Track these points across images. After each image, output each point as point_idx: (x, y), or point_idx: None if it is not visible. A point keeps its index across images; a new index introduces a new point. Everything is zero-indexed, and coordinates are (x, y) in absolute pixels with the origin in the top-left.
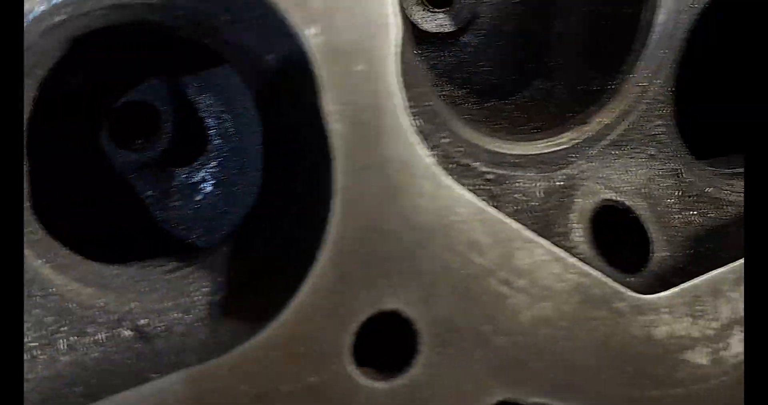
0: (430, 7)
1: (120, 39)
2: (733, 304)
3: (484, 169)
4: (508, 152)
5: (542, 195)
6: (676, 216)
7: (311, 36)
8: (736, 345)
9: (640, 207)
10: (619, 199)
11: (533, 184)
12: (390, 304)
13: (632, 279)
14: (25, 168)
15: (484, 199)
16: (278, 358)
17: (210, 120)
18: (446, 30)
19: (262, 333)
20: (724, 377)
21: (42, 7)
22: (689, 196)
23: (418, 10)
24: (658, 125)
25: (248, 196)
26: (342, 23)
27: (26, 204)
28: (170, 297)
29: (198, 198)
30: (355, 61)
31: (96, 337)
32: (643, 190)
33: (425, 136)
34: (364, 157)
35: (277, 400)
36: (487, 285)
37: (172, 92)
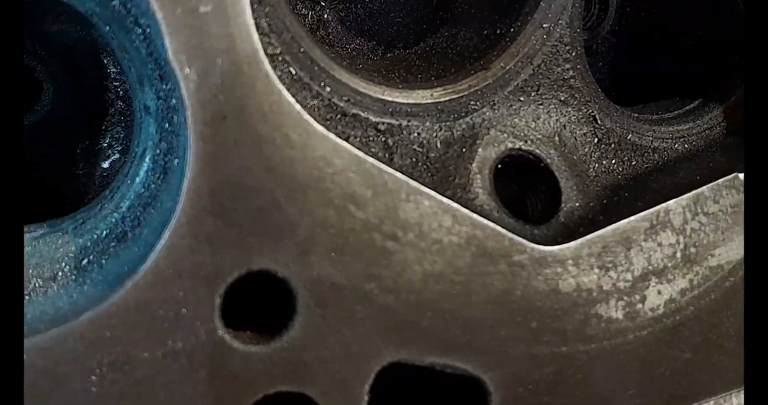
0: None
1: None
2: (648, 254)
3: (375, 119)
4: (402, 101)
5: (441, 145)
6: (593, 165)
7: None
8: (654, 297)
9: (550, 156)
10: (527, 147)
11: (431, 135)
12: (260, 264)
13: (537, 231)
14: None
15: (376, 151)
16: (136, 323)
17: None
18: None
19: (114, 297)
20: (641, 331)
21: None
22: (607, 144)
23: None
24: (567, 69)
25: None
26: None
27: None
28: (33, 264)
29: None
30: (200, 0)
31: None
32: (555, 138)
33: (302, 84)
34: (222, 105)
35: (137, 367)
36: (370, 240)
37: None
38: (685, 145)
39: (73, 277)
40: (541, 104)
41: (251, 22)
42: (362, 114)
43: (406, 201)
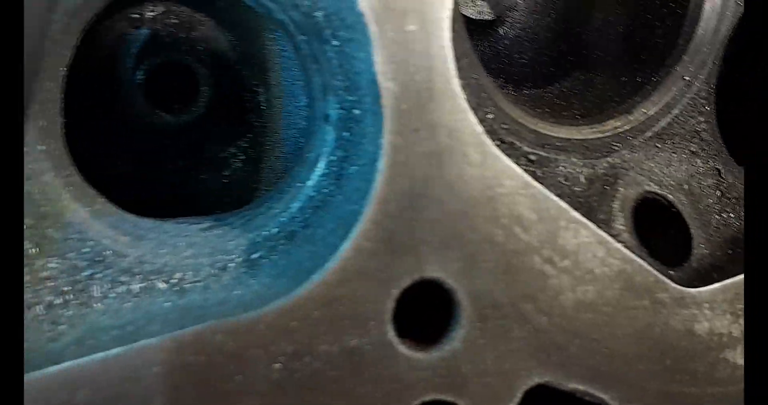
0: None
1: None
2: None
3: (528, 149)
4: (553, 135)
5: (585, 181)
6: (716, 216)
7: None
8: None
9: (681, 202)
10: (661, 192)
11: (576, 169)
12: (432, 272)
13: (672, 272)
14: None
15: None
16: (319, 317)
17: (244, 92)
18: (485, 17)
19: (301, 291)
20: None
21: None
22: (728, 198)
23: None
24: (701, 122)
25: (276, 173)
26: None
27: (63, 148)
28: (206, 253)
29: (226, 173)
30: (408, 20)
31: (130, 287)
32: (684, 186)
33: (471, 108)
34: (414, 119)
35: (315, 359)
36: (530, 262)
37: (212, 57)
38: None
39: (244, 269)
40: (674, 152)
41: (449, 44)
42: (517, 143)
43: (566, 229)
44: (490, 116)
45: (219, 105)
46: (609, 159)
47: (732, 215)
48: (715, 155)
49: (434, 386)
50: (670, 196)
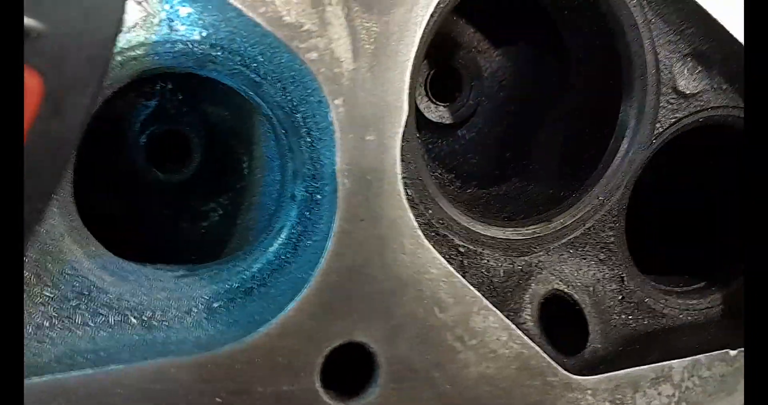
0: (435, 100)
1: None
2: (649, 400)
3: (459, 242)
4: (482, 232)
5: (504, 274)
6: (615, 317)
7: (337, 105)
8: None
9: (585, 302)
10: (568, 291)
11: (498, 263)
12: (360, 337)
13: (566, 360)
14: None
15: (454, 268)
16: (260, 363)
17: (231, 159)
18: (445, 122)
19: (248, 339)
20: None
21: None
22: (629, 302)
23: (425, 101)
24: (610, 235)
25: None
26: (363, 100)
27: (70, 198)
28: (175, 298)
29: (204, 224)
30: (368, 131)
31: (108, 319)
32: (590, 288)
33: (414, 204)
34: (362, 210)
35: (251, 398)
36: (444, 338)
37: (207, 128)
38: (689, 317)
39: (205, 315)
40: (584, 259)
41: (398, 152)
42: (450, 236)
43: (477, 313)
44: (430, 212)
45: (207, 168)
46: (526, 258)
47: (630, 317)
48: (621, 264)
49: None
50: (576, 296)
